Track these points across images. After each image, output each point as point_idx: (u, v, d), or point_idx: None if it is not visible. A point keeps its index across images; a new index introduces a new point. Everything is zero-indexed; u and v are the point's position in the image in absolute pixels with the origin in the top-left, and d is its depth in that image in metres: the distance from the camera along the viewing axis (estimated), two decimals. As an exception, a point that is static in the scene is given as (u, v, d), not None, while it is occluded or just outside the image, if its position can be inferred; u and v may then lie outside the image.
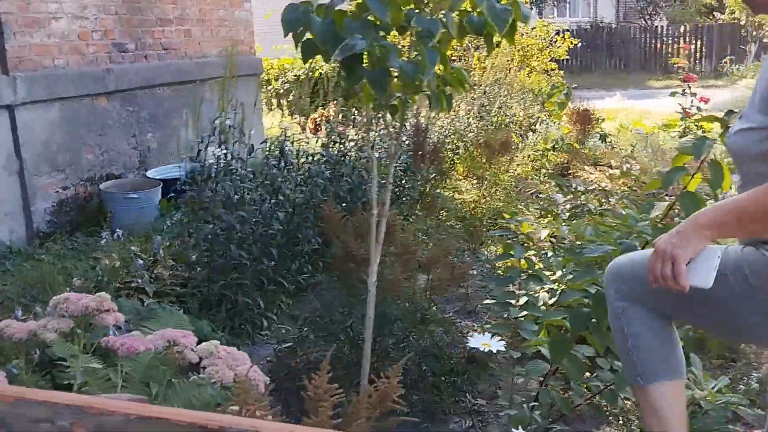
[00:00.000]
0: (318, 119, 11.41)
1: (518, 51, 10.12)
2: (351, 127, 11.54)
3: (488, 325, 3.09)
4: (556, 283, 3.22)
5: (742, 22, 20.17)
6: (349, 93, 2.19)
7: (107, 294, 2.34)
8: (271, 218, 3.59)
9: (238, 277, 3.60)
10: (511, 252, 3.10)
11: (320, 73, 12.44)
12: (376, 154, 4.70)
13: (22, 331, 2.33)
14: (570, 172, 6.72)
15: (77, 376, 2.05)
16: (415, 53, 2.13)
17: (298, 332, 3.82)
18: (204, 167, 3.50)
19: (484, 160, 5.51)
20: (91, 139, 5.97)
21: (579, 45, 14.87)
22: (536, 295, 3.23)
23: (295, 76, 12.50)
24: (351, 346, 3.15)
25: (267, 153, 3.87)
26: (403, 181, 4.88)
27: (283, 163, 3.83)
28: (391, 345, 2.97)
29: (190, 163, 7.05)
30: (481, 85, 8.03)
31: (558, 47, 10.92)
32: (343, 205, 4.20)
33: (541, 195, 5.48)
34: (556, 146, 7.21)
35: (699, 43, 20.87)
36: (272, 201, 3.66)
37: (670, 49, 21.31)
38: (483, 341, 2.23)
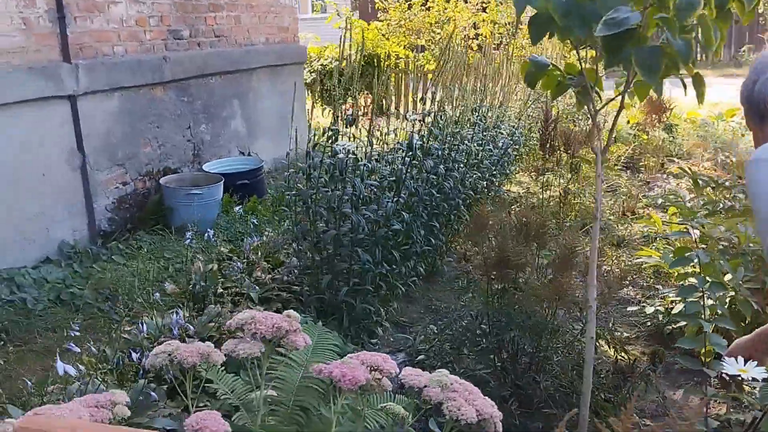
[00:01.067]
0: (350, 110, 11.08)
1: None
2: (387, 117, 11.23)
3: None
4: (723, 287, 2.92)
5: (760, 10, 19.90)
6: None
7: (294, 313, 2.02)
8: (393, 217, 3.27)
9: (358, 282, 3.29)
10: (687, 256, 2.80)
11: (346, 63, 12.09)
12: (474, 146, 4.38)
13: (193, 354, 2.01)
14: (642, 164, 6.42)
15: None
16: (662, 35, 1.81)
17: (425, 341, 3.52)
18: (313, 161, 3.17)
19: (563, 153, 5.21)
20: (149, 132, 5.62)
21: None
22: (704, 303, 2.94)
23: (321, 65, 12.11)
24: (512, 361, 2.85)
25: (395, 145, 3.52)
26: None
27: (408, 158, 3.49)
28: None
29: (250, 158, 6.74)
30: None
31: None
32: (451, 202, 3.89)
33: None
34: (617, 138, 6.92)
35: (716, 31, 20.60)
36: (395, 199, 3.34)
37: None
38: (739, 367, 1.92)
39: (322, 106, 11.65)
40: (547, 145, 4.05)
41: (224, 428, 1.59)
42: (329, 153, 3.34)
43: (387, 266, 3.35)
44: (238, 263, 3.72)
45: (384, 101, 12.01)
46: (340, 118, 3.64)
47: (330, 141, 3.32)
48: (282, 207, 5.90)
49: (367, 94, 11.44)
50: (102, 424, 1.01)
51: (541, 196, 4.23)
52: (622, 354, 3.30)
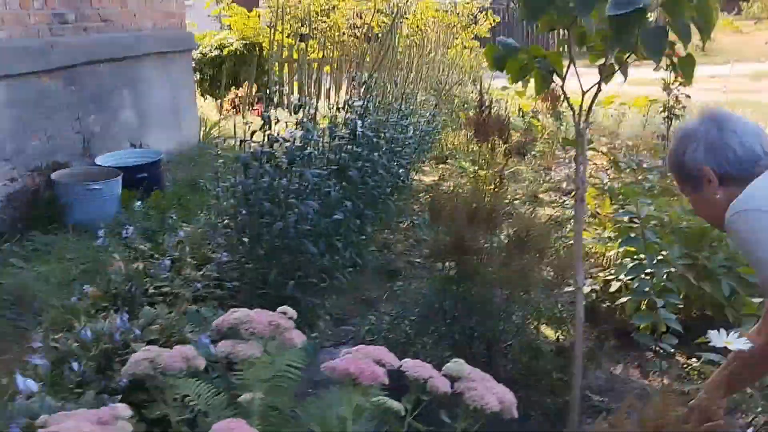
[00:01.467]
0: (236, 100, 10.76)
1: (445, 28, 9.97)
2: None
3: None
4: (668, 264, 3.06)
5: None
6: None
7: (290, 309, 1.91)
8: (337, 207, 3.19)
9: (303, 275, 3.19)
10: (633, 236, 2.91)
11: (230, 51, 11.73)
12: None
13: (178, 359, 1.87)
14: (537, 151, 6.63)
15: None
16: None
17: (369, 332, 3.47)
18: (254, 151, 3.03)
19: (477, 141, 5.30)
20: (37, 124, 5.20)
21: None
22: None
23: (201, 53, 11.67)
24: (486, 348, 2.85)
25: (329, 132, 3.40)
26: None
27: (351, 146, 3.39)
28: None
29: (148, 150, 6.38)
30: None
31: (481, 25, 10.87)
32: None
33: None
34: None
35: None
36: (338, 188, 3.25)
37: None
38: (725, 339, 2.00)
39: (203, 95, 11.24)
40: (481, 131, 4.10)
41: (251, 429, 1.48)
42: (264, 142, 3.20)
43: (330, 258, 3.26)
44: (165, 261, 3.50)
45: (268, 90, 11.77)
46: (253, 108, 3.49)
47: (264, 129, 3.18)
48: (185, 200, 5.65)
49: (252, 83, 11.17)
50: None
51: (477, 182, 4.30)
52: (563, 335, 3.39)
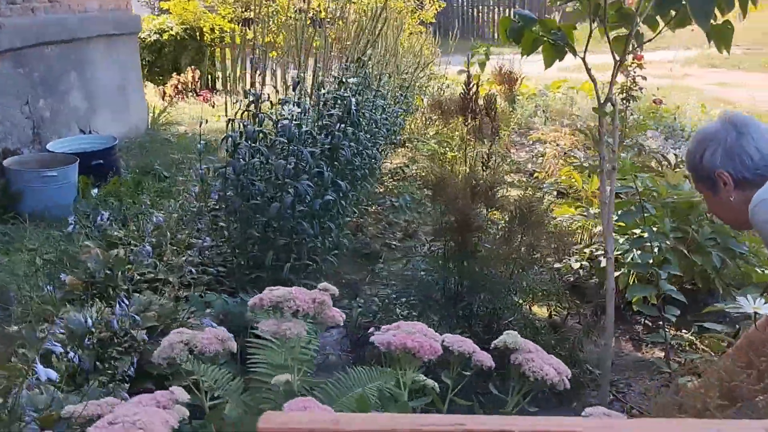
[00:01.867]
0: (179, 86, 10.45)
1: (395, 13, 9.92)
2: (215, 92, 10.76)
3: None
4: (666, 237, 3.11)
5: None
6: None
7: (330, 286, 1.84)
8: (329, 188, 3.12)
9: (297, 257, 3.12)
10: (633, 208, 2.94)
11: (170, 36, 11.38)
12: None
13: (213, 341, 1.79)
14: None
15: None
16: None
17: (362, 313, 3.41)
18: (247, 130, 2.93)
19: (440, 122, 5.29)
20: (-14, 108, 4.93)
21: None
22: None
23: (140, 38, 11.27)
24: (485, 326, 2.83)
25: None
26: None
27: (344, 124, 3.29)
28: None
29: (103, 136, 6.12)
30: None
31: (426, 10, 10.85)
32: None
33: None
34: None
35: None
36: (330, 168, 3.16)
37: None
38: (754, 306, 2.03)
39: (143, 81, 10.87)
40: (468, 110, 4.07)
41: (331, 414, 1.41)
42: (250, 120, 3.09)
43: (322, 239, 3.19)
44: (147, 247, 3.36)
45: (210, 76, 11.49)
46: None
47: (252, 108, 3.07)
48: (145, 187, 5.45)
49: (194, 69, 10.88)
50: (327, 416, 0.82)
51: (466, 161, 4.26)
52: (556, 312, 3.42)
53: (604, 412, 1.55)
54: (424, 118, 6.01)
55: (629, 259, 3.20)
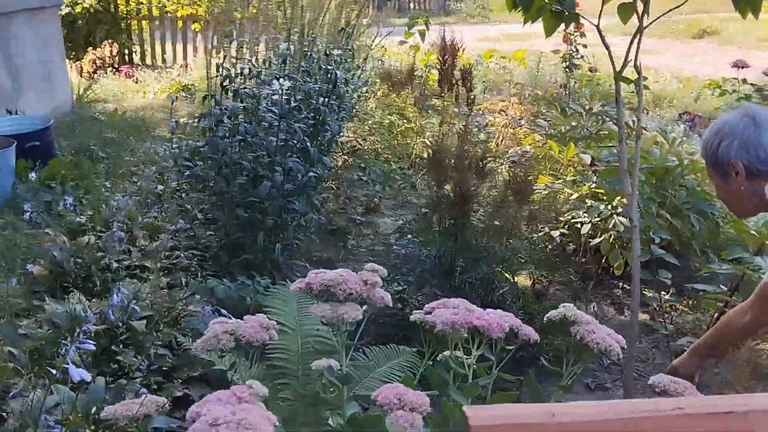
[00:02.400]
0: (97, 62, 9.94)
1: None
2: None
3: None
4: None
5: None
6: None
7: (378, 267, 1.77)
8: (314, 164, 3.02)
9: (284, 236, 3.03)
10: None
11: (83, 8, 10.79)
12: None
13: (258, 330, 1.71)
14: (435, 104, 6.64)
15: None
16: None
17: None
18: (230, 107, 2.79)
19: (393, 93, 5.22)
20: None
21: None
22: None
23: (49, 11, 10.63)
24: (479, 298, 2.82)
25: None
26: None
27: (327, 98, 3.16)
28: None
29: (36, 117, 5.74)
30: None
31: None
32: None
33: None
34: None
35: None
36: (315, 142, 3.05)
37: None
38: (773, 263, 2.10)
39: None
40: (446, 81, 4.01)
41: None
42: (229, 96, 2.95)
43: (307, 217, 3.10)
44: (119, 232, 3.17)
45: (128, 50, 10.97)
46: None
47: (224, 82, 2.93)
48: (86, 169, 5.16)
49: (111, 43, 10.37)
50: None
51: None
52: (539, 281, 3.46)
53: (670, 380, 1.57)
54: (370, 91, 5.92)
55: (611, 225, 3.26)
